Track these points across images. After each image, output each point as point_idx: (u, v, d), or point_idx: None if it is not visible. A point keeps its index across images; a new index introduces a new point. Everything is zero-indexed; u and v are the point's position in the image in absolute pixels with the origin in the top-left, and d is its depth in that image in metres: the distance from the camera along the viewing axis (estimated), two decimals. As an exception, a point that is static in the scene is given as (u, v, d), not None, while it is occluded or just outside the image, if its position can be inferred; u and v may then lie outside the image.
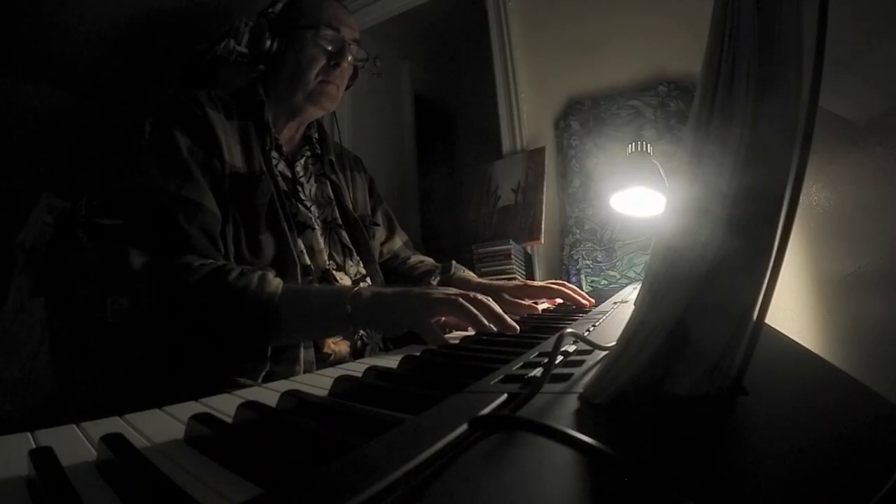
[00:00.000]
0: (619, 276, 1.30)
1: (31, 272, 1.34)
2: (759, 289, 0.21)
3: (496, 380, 0.30)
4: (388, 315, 0.66)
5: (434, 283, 1.00)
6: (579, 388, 0.26)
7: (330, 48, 0.90)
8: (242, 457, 0.23)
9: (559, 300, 0.93)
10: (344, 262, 0.93)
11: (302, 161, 0.96)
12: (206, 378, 0.70)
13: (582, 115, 1.43)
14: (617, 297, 0.91)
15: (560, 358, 0.34)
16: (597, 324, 0.56)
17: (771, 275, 0.20)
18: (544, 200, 1.43)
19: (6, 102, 1.91)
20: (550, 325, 0.67)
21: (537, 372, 0.31)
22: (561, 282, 0.94)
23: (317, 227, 0.91)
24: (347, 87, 1.00)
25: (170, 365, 0.76)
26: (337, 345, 0.84)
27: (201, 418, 0.28)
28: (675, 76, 1.32)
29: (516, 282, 1.12)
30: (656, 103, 1.32)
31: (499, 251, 1.35)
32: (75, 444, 0.28)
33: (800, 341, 0.40)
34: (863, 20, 0.70)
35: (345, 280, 0.90)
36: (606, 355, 0.26)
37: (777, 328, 0.47)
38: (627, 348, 0.23)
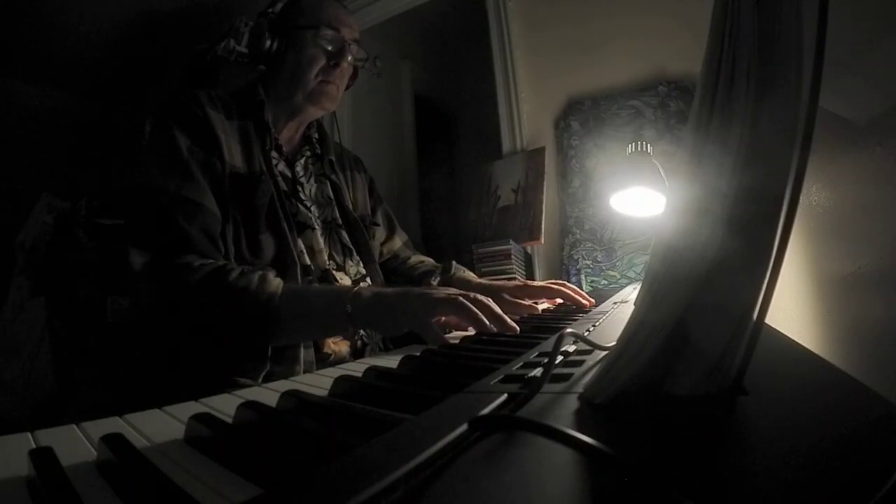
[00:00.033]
0: (619, 276, 1.30)
1: (31, 272, 1.34)
2: (759, 289, 0.21)
3: (496, 380, 0.30)
4: (389, 315, 0.66)
5: (434, 283, 1.00)
6: (579, 388, 0.26)
7: (330, 48, 0.90)
8: (242, 457, 0.23)
9: (559, 300, 0.93)
10: (344, 262, 0.93)
11: (302, 161, 0.96)
12: (206, 378, 0.70)
13: (582, 115, 1.43)
14: (617, 297, 0.91)
15: (560, 358, 0.34)
16: (597, 324, 0.56)
17: (771, 275, 0.20)
18: (544, 200, 1.43)
19: (6, 102, 1.91)
20: (550, 325, 0.67)
21: (537, 372, 0.31)
22: (561, 282, 0.94)
23: (317, 227, 0.91)
24: (347, 87, 1.00)
25: (170, 365, 0.76)
26: (337, 345, 0.84)
27: (201, 418, 0.28)
28: (675, 76, 1.32)
29: (516, 282, 1.12)
30: (656, 103, 1.32)
31: (499, 251, 1.35)
32: (75, 444, 0.28)
33: (800, 341, 0.40)
34: (863, 20, 0.70)
35: (345, 280, 0.90)
36: (606, 355, 0.26)
37: (777, 328, 0.47)
38: (627, 348, 0.23)
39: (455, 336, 0.67)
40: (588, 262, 1.34)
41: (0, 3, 1.61)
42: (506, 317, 0.61)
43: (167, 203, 0.74)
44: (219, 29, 0.95)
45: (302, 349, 0.76)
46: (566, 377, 0.29)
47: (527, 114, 1.57)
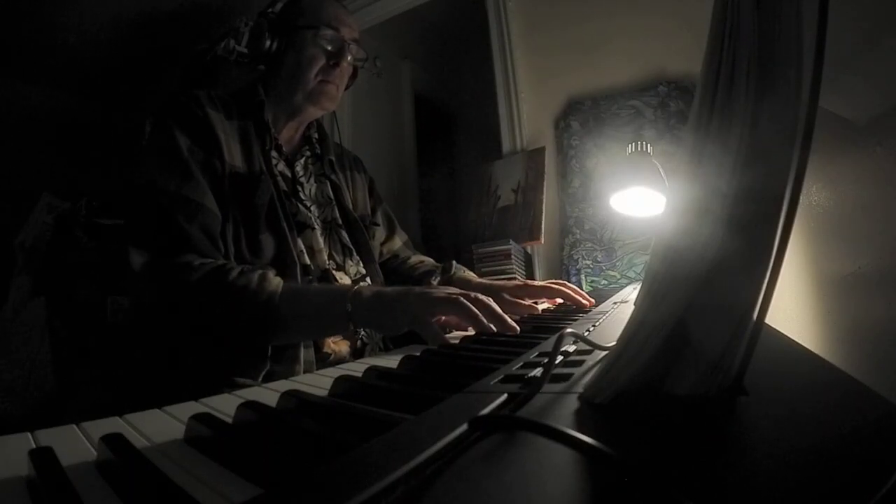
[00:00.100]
0: (619, 276, 1.30)
1: (31, 272, 1.34)
2: (759, 289, 0.21)
3: (496, 380, 0.30)
4: (389, 314, 0.66)
5: (434, 282, 1.00)
6: (579, 388, 0.26)
7: (329, 48, 0.90)
8: (242, 457, 0.23)
9: (559, 300, 0.93)
10: (344, 261, 0.93)
11: (302, 161, 0.96)
12: (206, 378, 0.70)
13: (582, 115, 1.43)
14: (617, 297, 0.91)
15: (560, 358, 0.34)
16: (597, 324, 0.56)
17: (771, 275, 0.20)
18: (544, 200, 1.43)
19: (6, 102, 1.91)
20: (550, 325, 0.67)
21: (537, 372, 0.31)
22: (561, 282, 0.94)
23: (317, 226, 0.91)
24: (347, 87, 1.00)
25: (170, 365, 0.76)
26: (337, 344, 0.84)
27: (201, 418, 0.28)
28: (675, 76, 1.32)
29: (516, 282, 1.12)
30: (656, 103, 1.32)
31: (499, 251, 1.35)
32: (75, 444, 0.28)
33: (800, 341, 0.40)
34: (863, 20, 0.70)
35: (345, 280, 0.90)
36: (606, 355, 0.26)
37: (777, 328, 0.47)
38: (627, 348, 0.23)
39: (455, 336, 0.67)
40: (588, 262, 1.34)
41: (0, 3, 1.61)
42: (506, 316, 0.61)
43: (167, 203, 0.74)
44: (219, 29, 0.95)
45: (302, 349, 0.76)
46: (566, 377, 0.29)
47: (527, 114, 1.57)
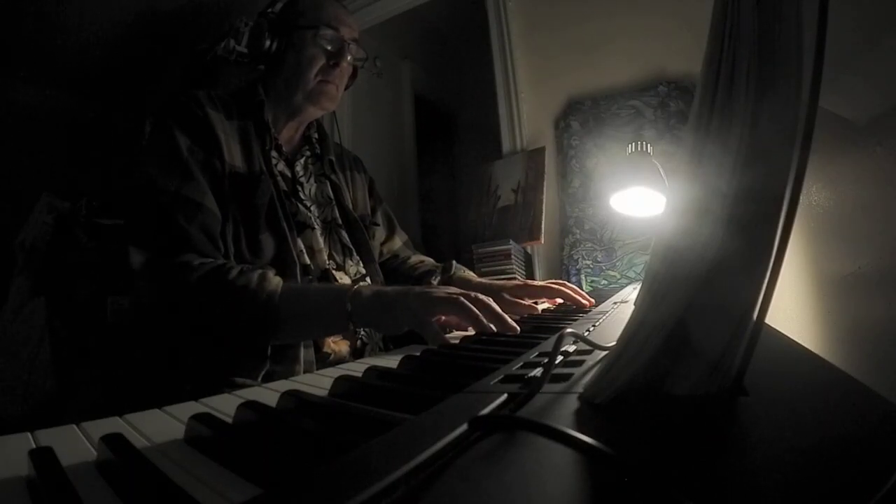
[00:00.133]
0: (619, 276, 1.30)
1: (31, 272, 1.34)
2: (759, 289, 0.21)
3: (496, 380, 0.30)
4: (388, 313, 0.66)
5: (435, 282, 1.00)
6: (579, 388, 0.26)
7: (329, 48, 0.90)
8: (242, 457, 0.23)
9: (559, 300, 0.93)
10: (344, 261, 0.93)
11: (302, 161, 0.96)
12: (206, 378, 0.70)
13: (582, 115, 1.43)
14: (617, 297, 0.91)
15: (560, 358, 0.34)
16: (597, 324, 0.56)
17: (771, 275, 0.20)
18: (544, 200, 1.43)
19: (6, 102, 1.91)
20: (550, 325, 0.67)
21: (537, 372, 0.31)
22: (561, 282, 0.94)
23: (316, 226, 0.91)
24: (347, 87, 1.00)
25: (170, 365, 0.76)
26: (337, 344, 0.84)
27: (201, 418, 0.28)
28: (675, 76, 1.32)
29: (516, 281, 1.12)
30: (656, 103, 1.32)
31: (499, 251, 1.35)
32: (75, 444, 0.28)
33: (800, 341, 0.40)
34: (863, 20, 0.70)
35: (344, 280, 0.90)
36: (606, 355, 0.26)
37: (777, 328, 0.47)
38: (627, 348, 0.23)
39: (455, 336, 0.67)
40: (588, 262, 1.34)
41: (1, 3, 1.61)
42: (506, 317, 0.61)
43: (167, 202, 0.74)
44: (219, 29, 0.95)
45: (302, 349, 0.76)
46: (566, 377, 0.29)
47: (527, 114, 1.57)
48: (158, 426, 0.32)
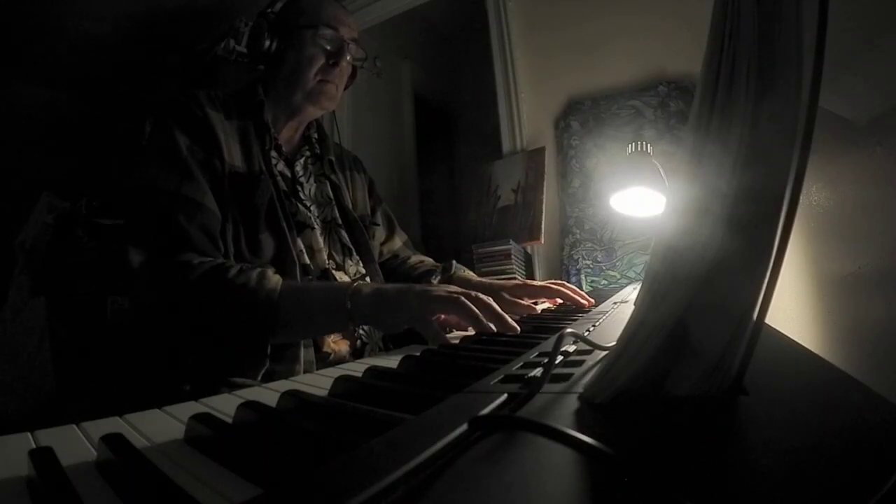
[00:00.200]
0: (619, 276, 1.30)
1: (31, 272, 1.34)
2: (759, 289, 0.21)
3: (496, 380, 0.30)
4: (388, 311, 0.66)
5: (435, 282, 1.00)
6: (579, 388, 0.26)
7: (329, 47, 0.90)
8: (242, 457, 0.23)
9: (559, 300, 0.93)
10: (343, 261, 0.93)
11: (301, 161, 0.96)
12: (206, 378, 0.70)
13: (582, 115, 1.43)
14: (617, 297, 0.91)
15: (560, 358, 0.34)
16: (597, 324, 0.56)
17: (771, 275, 0.20)
18: (544, 200, 1.43)
19: (6, 102, 1.91)
20: (550, 325, 0.67)
21: (537, 372, 0.31)
22: (560, 282, 0.94)
23: (316, 226, 0.91)
24: (346, 87, 1.00)
25: (169, 365, 0.76)
26: (337, 344, 0.84)
27: (201, 418, 0.28)
28: (675, 76, 1.32)
29: (516, 281, 1.12)
30: (656, 103, 1.32)
31: (499, 251, 1.35)
32: (75, 444, 0.28)
33: (800, 341, 0.40)
34: (863, 20, 0.70)
35: (344, 279, 0.90)
36: (606, 355, 0.26)
37: (777, 328, 0.47)
38: (627, 348, 0.23)
39: (455, 336, 0.67)
40: (588, 262, 1.34)
41: (1, 3, 1.61)
42: (506, 316, 0.61)
43: (167, 202, 0.74)
44: (219, 29, 0.95)
45: (302, 349, 0.76)
46: (566, 377, 0.29)
47: (527, 114, 1.57)
48: (158, 426, 0.32)
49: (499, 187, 1.54)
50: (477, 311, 0.61)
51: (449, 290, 0.65)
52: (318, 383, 0.46)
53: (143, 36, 1.91)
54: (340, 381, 0.36)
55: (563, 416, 0.23)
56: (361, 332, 0.88)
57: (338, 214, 0.97)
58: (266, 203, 0.81)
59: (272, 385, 0.47)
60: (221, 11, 1.64)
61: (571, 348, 0.38)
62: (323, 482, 0.16)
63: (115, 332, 1.18)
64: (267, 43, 0.90)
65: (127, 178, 0.87)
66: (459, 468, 0.17)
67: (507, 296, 0.86)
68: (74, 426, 0.31)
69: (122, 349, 1.12)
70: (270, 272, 0.72)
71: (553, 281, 0.96)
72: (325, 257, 0.90)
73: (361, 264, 0.96)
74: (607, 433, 0.20)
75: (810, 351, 0.36)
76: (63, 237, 1.33)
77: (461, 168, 2.52)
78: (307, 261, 0.85)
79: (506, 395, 0.25)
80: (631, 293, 0.94)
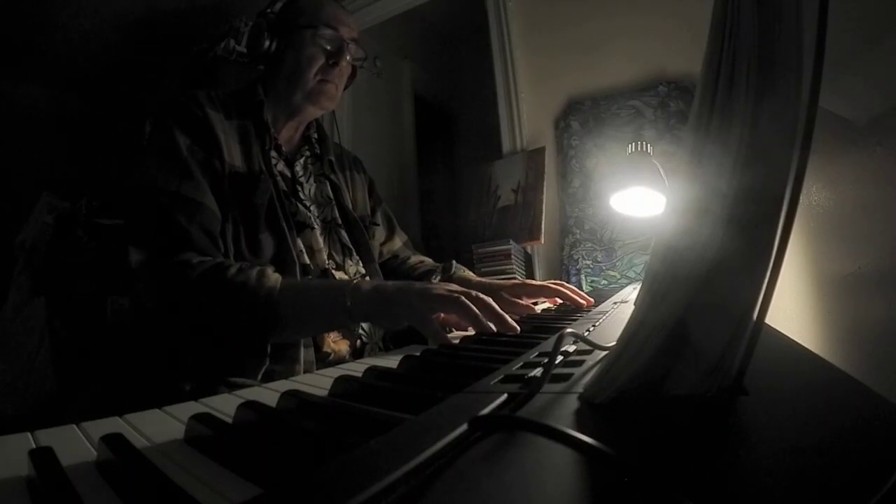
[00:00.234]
0: (619, 276, 1.30)
1: (31, 272, 1.34)
2: (759, 289, 0.21)
3: (496, 380, 0.30)
4: (388, 308, 0.66)
5: (435, 281, 1.00)
6: (579, 388, 0.26)
7: (328, 47, 0.91)
8: (242, 457, 0.23)
9: (559, 300, 0.93)
10: (343, 261, 0.93)
11: (301, 161, 0.96)
12: (205, 378, 0.70)
13: (582, 115, 1.43)
14: (617, 297, 0.91)
15: (560, 358, 0.34)
16: (597, 324, 0.56)
17: (771, 275, 0.20)
18: (544, 200, 1.43)
19: (6, 102, 1.92)
20: (550, 325, 0.67)
21: (537, 372, 0.31)
22: (559, 282, 0.94)
23: (316, 226, 0.91)
24: (346, 87, 1.00)
25: (170, 365, 0.76)
26: (337, 344, 0.84)
27: (201, 418, 0.28)
28: (675, 76, 1.32)
29: (514, 281, 1.12)
30: (656, 103, 1.32)
31: (499, 251, 1.35)
32: (75, 444, 0.28)
33: (800, 341, 0.40)
34: (863, 20, 0.70)
35: (344, 279, 0.90)
36: (606, 355, 0.26)
37: (777, 328, 0.47)
38: (627, 348, 0.23)
39: (455, 336, 0.67)
40: (588, 262, 1.34)
41: (1, 3, 1.61)
42: (506, 316, 0.61)
43: (167, 202, 0.74)
44: (219, 29, 0.95)
45: (302, 349, 0.76)
46: (566, 377, 0.29)
47: (527, 114, 1.57)
48: (158, 426, 0.32)
49: (499, 187, 1.54)
50: (477, 310, 0.61)
51: (449, 288, 0.65)
52: (318, 383, 0.46)
53: (143, 36, 1.91)
54: (340, 381, 0.36)
55: (563, 416, 0.23)
56: (361, 332, 0.88)
57: (338, 214, 0.97)
58: (266, 203, 0.81)
59: (272, 385, 0.47)
60: (221, 11, 1.64)
61: (571, 348, 0.38)
62: (323, 482, 0.16)
63: (115, 332, 1.18)
64: (267, 43, 0.90)
65: (127, 178, 0.87)
66: (459, 468, 0.17)
67: (506, 295, 0.86)
68: (74, 426, 0.31)
69: (122, 349, 1.12)
70: (270, 270, 0.72)
71: (552, 281, 0.96)
72: (325, 257, 0.90)
73: (361, 264, 0.96)
74: (607, 433, 0.20)
75: (810, 351, 0.36)
76: (63, 237, 1.33)
77: (461, 168, 2.52)
78: (307, 261, 0.85)
79: (506, 395, 0.25)
80: (631, 293, 0.94)
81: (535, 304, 0.94)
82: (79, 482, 0.20)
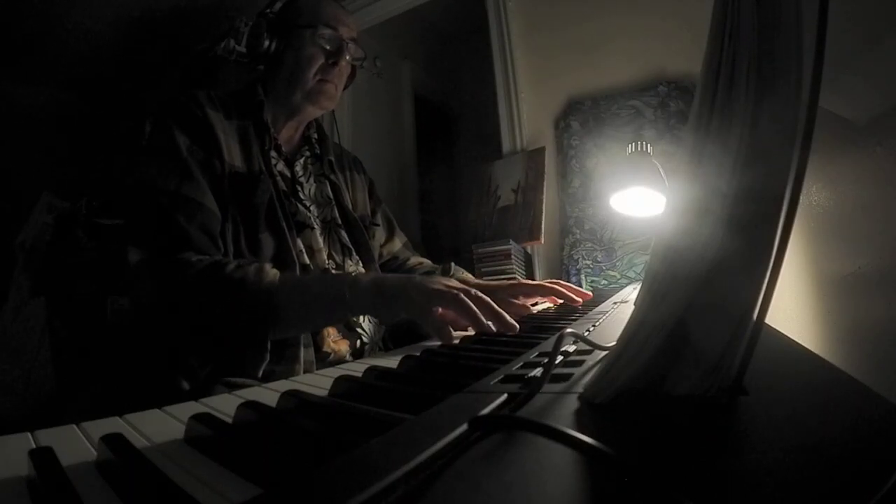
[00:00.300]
0: (619, 276, 1.30)
1: (31, 272, 1.34)
2: (759, 289, 0.21)
3: (496, 380, 0.30)
4: (387, 301, 0.66)
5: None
6: (579, 388, 0.26)
7: (328, 47, 0.91)
8: (242, 457, 0.23)
9: (560, 300, 0.92)
10: (343, 261, 0.93)
11: (301, 161, 0.96)
12: (205, 378, 0.70)
13: (582, 115, 1.43)
14: (617, 297, 0.91)
15: (560, 358, 0.34)
16: (597, 324, 0.56)
17: (771, 275, 0.20)
18: (544, 200, 1.43)
19: (6, 102, 1.92)
20: (550, 325, 0.67)
21: (537, 372, 0.31)
22: (554, 280, 0.94)
23: (316, 226, 0.91)
24: (346, 87, 1.00)
25: (170, 365, 0.76)
26: (337, 344, 0.84)
27: (201, 418, 0.28)
28: (675, 76, 1.32)
29: (511, 282, 1.12)
30: (656, 103, 1.32)
31: (499, 251, 1.35)
32: (75, 444, 0.28)
33: (800, 341, 0.40)
34: (863, 20, 0.70)
35: (344, 280, 0.90)
36: (606, 355, 0.26)
37: (777, 328, 0.47)
38: (627, 348, 0.23)
39: (455, 336, 0.67)
40: (588, 262, 1.34)
41: (1, 3, 1.61)
42: (505, 314, 0.61)
43: (167, 202, 0.74)
44: (219, 29, 0.95)
45: (302, 349, 0.76)
46: (566, 377, 0.29)
47: (527, 114, 1.57)
48: (158, 426, 0.32)
49: (499, 187, 1.54)
50: (475, 308, 0.60)
51: (448, 284, 0.65)
52: (318, 383, 0.46)
53: (143, 36, 1.91)
54: (340, 381, 0.36)
55: (563, 416, 0.23)
56: (361, 332, 0.88)
57: (337, 214, 0.97)
58: (266, 203, 0.81)
59: (272, 385, 0.47)
60: (221, 11, 1.64)
61: (571, 348, 0.38)
62: (323, 482, 0.16)
63: (115, 332, 1.18)
64: (266, 43, 0.90)
65: (127, 177, 0.87)
66: (459, 468, 0.17)
67: (503, 296, 0.86)
68: (74, 426, 0.31)
69: (122, 349, 1.12)
70: (268, 266, 0.71)
71: (547, 280, 0.96)
72: (325, 257, 0.90)
73: (361, 264, 0.96)
74: (607, 433, 0.20)
75: (810, 351, 0.36)
76: (63, 237, 1.33)
77: (461, 168, 2.52)
78: (307, 261, 0.85)
79: (506, 395, 0.25)
80: (631, 293, 0.94)
81: (535, 304, 0.94)
82: (79, 482, 0.20)
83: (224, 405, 0.36)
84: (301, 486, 0.16)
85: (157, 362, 0.79)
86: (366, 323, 0.90)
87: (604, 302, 0.88)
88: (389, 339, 0.94)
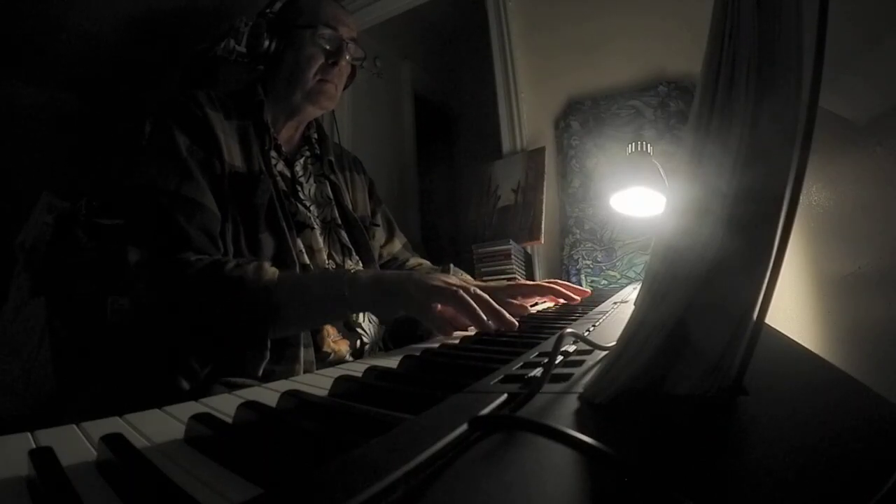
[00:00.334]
0: (619, 276, 1.30)
1: (31, 272, 1.34)
2: (759, 289, 0.21)
3: (496, 380, 0.30)
4: (387, 298, 0.66)
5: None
6: (579, 388, 0.26)
7: (328, 47, 0.91)
8: (242, 457, 0.23)
9: (561, 300, 0.92)
10: (343, 261, 0.93)
11: (301, 161, 0.96)
12: (205, 378, 0.70)
13: (582, 115, 1.43)
14: (617, 297, 0.91)
15: (560, 358, 0.34)
16: (597, 324, 0.56)
17: (771, 275, 0.20)
18: (544, 200, 1.43)
19: (6, 102, 1.92)
20: (550, 324, 0.67)
21: (537, 372, 0.31)
22: (552, 280, 0.94)
23: (316, 226, 0.91)
24: (346, 87, 1.00)
25: (170, 365, 0.76)
26: (337, 344, 0.84)
27: (201, 418, 0.28)
28: (675, 76, 1.32)
29: (509, 283, 1.12)
30: (656, 103, 1.32)
31: (499, 251, 1.35)
32: (75, 444, 0.28)
33: (800, 341, 0.40)
34: (863, 20, 0.70)
35: (344, 280, 0.90)
36: (606, 355, 0.26)
37: (777, 328, 0.47)
38: (627, 348, 0.23)
39: (455, 336, 0.67)
40: (588, 262, 1.34)
41: (1, 3, 1.61)
42: (504, 312, 0.61)
43: (167, 202, 0.74)
44: (219, 29, 0.95)
45: (302, 349, 0.76)
46: (566, 377, 0.29)
47: (527, 114, 1.57)
48: (158, 426, 0.32)
49: (499, 187, 1.54)
50: (474, 306, 0.60)
51: (448, 280, 0.65)
52: (318, 383, 0.45)
53: (143, 36, 1.91)
54: (340, 381, 0.36)
55: (563, 416, 0.23)
56: (361, 332, 0.88)
57: (337, 214, 0.97)
58: (266, 203, 0.81)
59: (272, 385, 0.47)
60: (221, 11, 1.64)
61: (571, 348, 0.38)
62: (323, 482, 0.16)
63: (115, 332, 1.18)
64: (266, 43, 0.90)
65: (127, 178, 0.87)
66: (459, 468, 0.17)
67: (502, 296, 0.86)
68: (74, 426, 0.31)
69: (122, 349, 1.12)
70: (267, 265, 0.71)
71: (545, 280, 0.96)
72: (325, 257, 0.90)
73: (361, 264, 0.96)
74: (607, 433, 0.20)
75: (810, 351, 0.36)
76: (63, 237, 1.33)
77: (461, 168, 2.52)
78: (307, 261, 0.85)
79: (506, 395, 0.25)
80: (631, 293, 0.94)
81: (534, 304, 0.94)
82: (79, 482, 0.20)
83: (224, 405, 0.36)
84: (301, 486, 0.16)
85: (157, 362, 0.79)
86: (366, 323, 0.90)
87: (604, 302, 0.88)
88: (389, 339, 0.94)
